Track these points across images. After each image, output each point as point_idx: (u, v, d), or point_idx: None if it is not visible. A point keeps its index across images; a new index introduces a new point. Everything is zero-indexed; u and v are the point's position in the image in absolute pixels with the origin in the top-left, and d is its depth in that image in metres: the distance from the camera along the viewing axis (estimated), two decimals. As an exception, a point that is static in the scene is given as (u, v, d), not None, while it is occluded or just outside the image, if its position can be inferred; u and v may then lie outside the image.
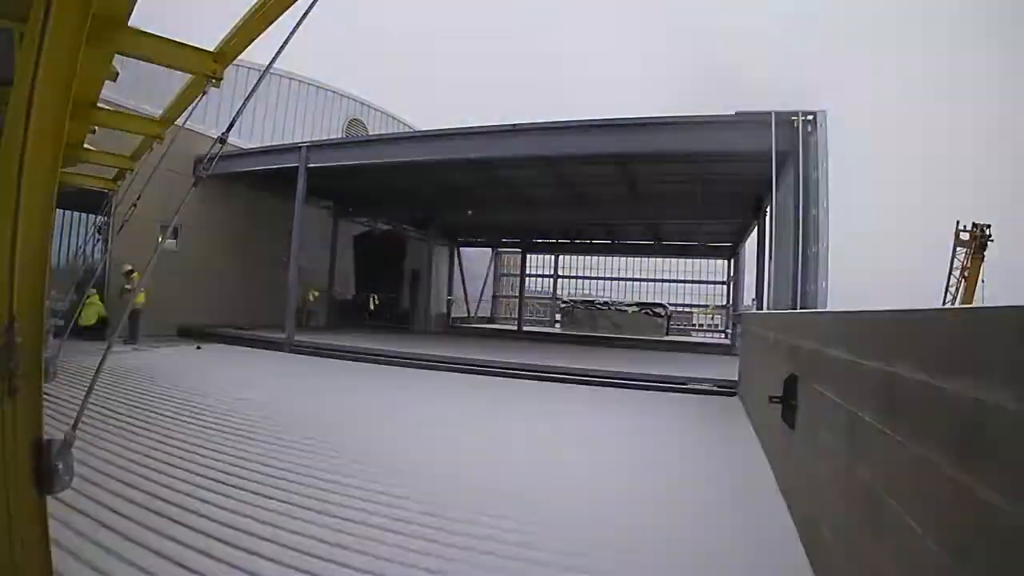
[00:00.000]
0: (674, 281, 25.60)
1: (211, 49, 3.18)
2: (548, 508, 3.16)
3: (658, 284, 25.77)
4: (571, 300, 25.19)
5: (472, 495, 3.32)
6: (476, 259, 25.33)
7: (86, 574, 2.18)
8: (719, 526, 3.02)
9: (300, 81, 18.13)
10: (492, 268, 26.56)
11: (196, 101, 3.73)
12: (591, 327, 22.67)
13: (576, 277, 26.97)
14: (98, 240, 10.57)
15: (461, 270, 24.08)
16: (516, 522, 2.93)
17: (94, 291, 9.65)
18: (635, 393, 7.95)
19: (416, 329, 18.42)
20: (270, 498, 3.10)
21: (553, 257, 26.46)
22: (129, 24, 3.03)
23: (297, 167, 11.46)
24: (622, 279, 26.41)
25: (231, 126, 2.43)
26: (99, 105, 4.46)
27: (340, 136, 18.31)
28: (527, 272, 25.32)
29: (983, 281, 23.29)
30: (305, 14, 2.34)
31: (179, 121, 4.32)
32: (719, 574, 2.50)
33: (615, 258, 25.89)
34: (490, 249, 25.90)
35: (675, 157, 10.01)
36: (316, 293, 16.24)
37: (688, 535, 2.88)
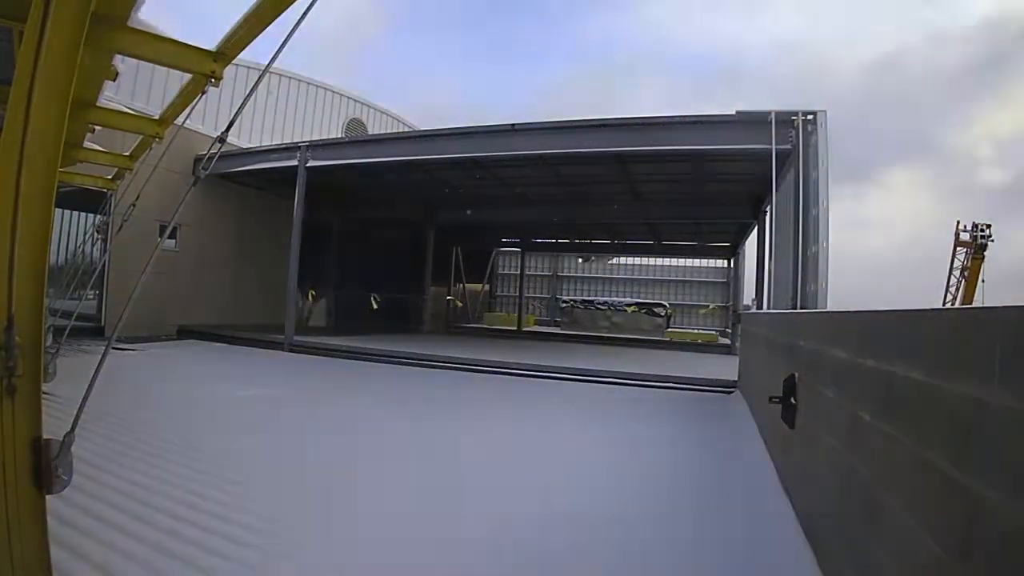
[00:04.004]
0: (674, 281, 25.63)
1: (211, 49, 3.17)
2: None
3: (658, 284, 25.81)
4: (571, 300, 25.22)
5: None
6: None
7: (86, 572, 2.18)
8: (725, 520, 3.03)
9: (300, 81, 18.13)
10: (491, 267, 26.57)
11: (196, 101, 3.73)
12: (591, 326, 22.70)
13: (575, 277, 27.00)
14: (97, 239, 10.57)
15: (461, 270, 24.08)
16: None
17: None
18: (638, 391, 7.95)
19: (415, 329, 18.42)
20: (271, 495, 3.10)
21: (553, 257, 26.52)
22: (129, 24, 3.02)
23: (297, 167, 11.45)
24: (622, 279, 26.44)
25: (230, 125, 2.43)
26: (98, 104, 4.46)
27: (340, 136, 18.30)
28: (526, 272, 25.36)
29: (983, 281, 23.32)
30: (305, 13, 2.34)
31: (178, 121, 4.31)
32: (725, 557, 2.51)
33: (615, 257, 25.92)
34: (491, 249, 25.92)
35: (675, 157, 10.00)
36: (313, 293, 16.24)
37: (699, 532, 2.89)
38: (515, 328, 21.95)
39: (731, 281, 22.00)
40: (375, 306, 17.43)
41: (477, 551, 2.56)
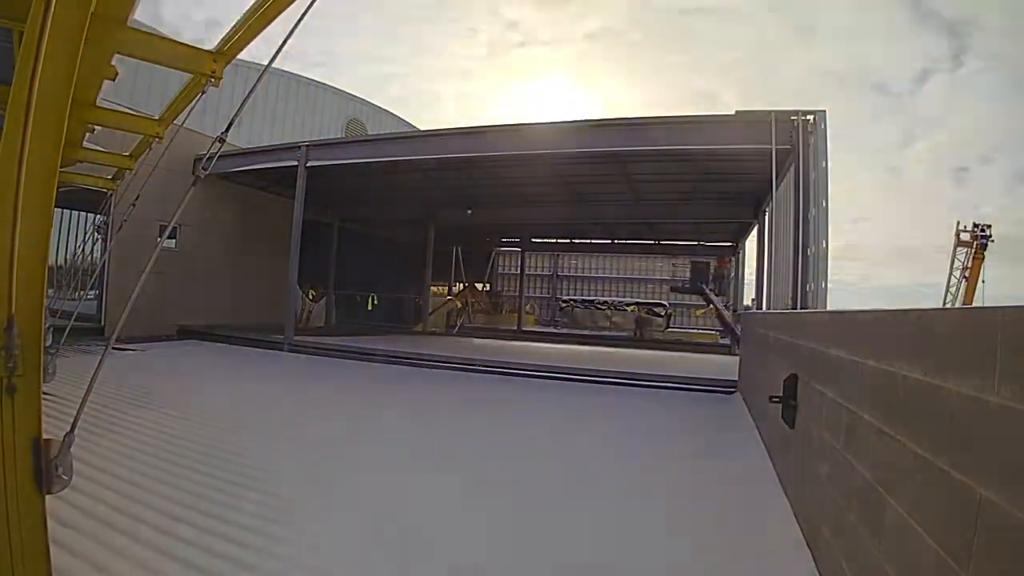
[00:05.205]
0: (674, 281, 25.59)
1: (210, 48, 3.17)
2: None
3: (658, 284, 25.81)
4: (571, 299, 25.24)
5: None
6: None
7: (86, 572, 2.18)
8: (722, 521, 3.03)
9: (300, 80, 18.13)
10: (491, 267, 26.56)
11: (195, 100, 3.73)
12: (591, 326, 22.71)
13: (575, 276, 27.00)
14: (97, 239, 10.57)
15: (461, 270, 24.07)
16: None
17: None
18: (638, 392, 7.95)
19: (414, 329, 18.42)
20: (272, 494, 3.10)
21: (553, 257, 26.52)
22: (129, 24, 3.03)
23: (297, 166, 11.44)
24: (622, 279, 26.44)
25: (230, 125, 2.43)
26: (98, 104, 4.46)
27: (340, 136, 18.30)
28: (526, 271, 25.33)
29: (983, 281, 23.32)
30: (305, 13, 2.34)
31: (178, 120, 4.32)
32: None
33: (615, 257, 25.91)
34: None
35: (675, 157, 10.00)
36: (314, 292, 16.23)
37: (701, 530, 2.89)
38: (515, 328, 21.94)
39: (731, 281, 21.98)
40: (371, 307, 17.42)
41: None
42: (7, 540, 1.39)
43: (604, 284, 26.55)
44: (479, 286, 25.40)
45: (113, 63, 3.77)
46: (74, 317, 5.40)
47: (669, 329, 22.75)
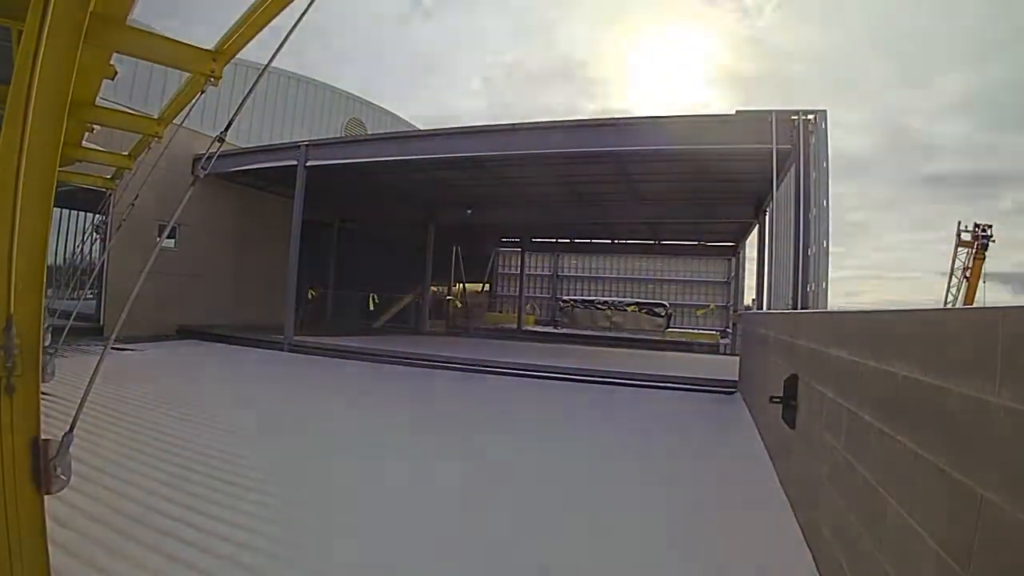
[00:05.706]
0: (674, 280, 25.61)
1: (210, 47, 3.17)
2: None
3: (658, 284, 25.80)
4: (571, 299, 25.24)
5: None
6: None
7: (85, 573, 2.17)
8: (723, 522, 3.04)
9: (300, 79, 18.10)
10: (491, 267, 26.54)
11: (195, 100, 3.73)
12: (591, 326, 22.72)
13: (575, 276, 26.99)
14: (96, 239, 10.56)
15: (461, 270, 24.06)
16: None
17: None
18: (638, 392, 7.94)
19: (414, 329, 18.42)
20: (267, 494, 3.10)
21: (553, 257, 26.51)
22: (128, 23, 3.02)
23: (296, 166, 11.43)
24: (622, 279, 26.43)
25: (229, 124, 2.42)
26: (97, 103, 4.45)
27: (340, 135, 18.28)
28: (526, 271, 25.32)
29: (984, 282, 23.33)
30: (304, 12, 2.33)
31: (177, 120, 4.31)
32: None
33: (615, 257, 25.90)
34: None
35: (675, 156, 9.99)
36: (313, 292, 16.24)
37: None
38: (515, 327, 21.94)
39: (732, 281, 22.01)
40: (372, 306, 17.40)
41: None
42: (6, 540, 1.39)
43: (604, 284, 26.53)
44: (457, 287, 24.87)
45: (112, 62, 3.77)
46: (73, 317, 5.39)
47: (669, 329, 22.75)
